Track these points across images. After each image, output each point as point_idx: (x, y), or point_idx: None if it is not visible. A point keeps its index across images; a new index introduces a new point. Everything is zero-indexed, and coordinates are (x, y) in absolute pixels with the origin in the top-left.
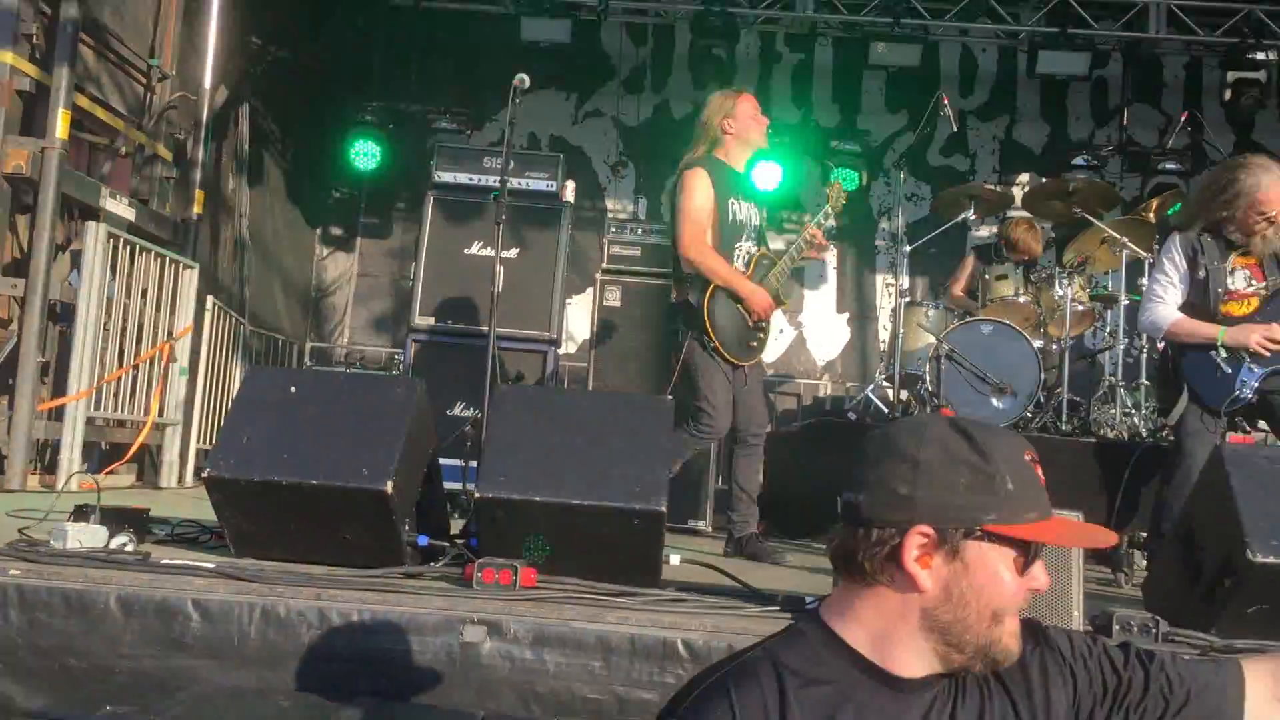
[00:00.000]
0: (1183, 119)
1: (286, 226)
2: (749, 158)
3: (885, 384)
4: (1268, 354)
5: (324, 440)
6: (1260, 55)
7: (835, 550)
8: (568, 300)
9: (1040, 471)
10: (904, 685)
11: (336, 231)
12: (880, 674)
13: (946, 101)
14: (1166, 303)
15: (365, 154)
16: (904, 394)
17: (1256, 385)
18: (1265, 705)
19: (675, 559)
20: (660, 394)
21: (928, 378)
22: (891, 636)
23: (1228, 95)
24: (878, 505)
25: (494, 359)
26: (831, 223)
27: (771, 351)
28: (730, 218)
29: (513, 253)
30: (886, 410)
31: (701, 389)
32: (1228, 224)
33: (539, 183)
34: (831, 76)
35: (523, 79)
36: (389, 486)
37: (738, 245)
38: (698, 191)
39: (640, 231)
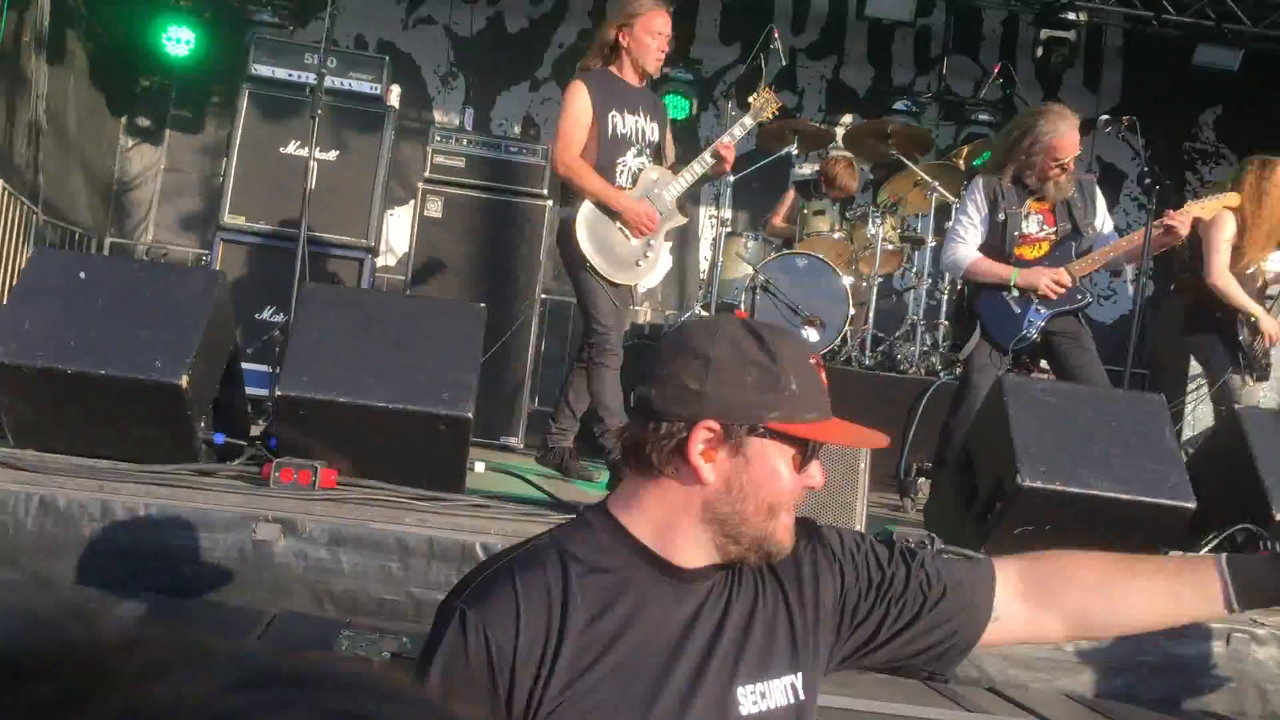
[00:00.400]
0: (995, 71)
1: (89, 113)
2: (643, 77)
3: (702, 312)
4: (1055, 296)
5: (115, 330)
6: (1072, 15)
7: (625, 442)
8: (389, 211)
9: (823, 375)
10: (683, 575)
11: (144, 122)
12: (661, 563)
13: (777, 35)
14: (967, 243)
15: (178, 40)
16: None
17: (1042, 325)
18: (1011, 601)
19: (481, 467)
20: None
21: (743, 307)
22: (673, 527)
23: (1039, 53)
24: (668, 399)
25: (304, 260)
26: (744, 127)
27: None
28: (610, 131)
29: (331, 155)
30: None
31: (588, 309)
32: (1026, 170)
33: (362, 84)
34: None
35: None
36: (183, 380)
37: (620, 160)
38: (572, 105)
39: (466, 142)
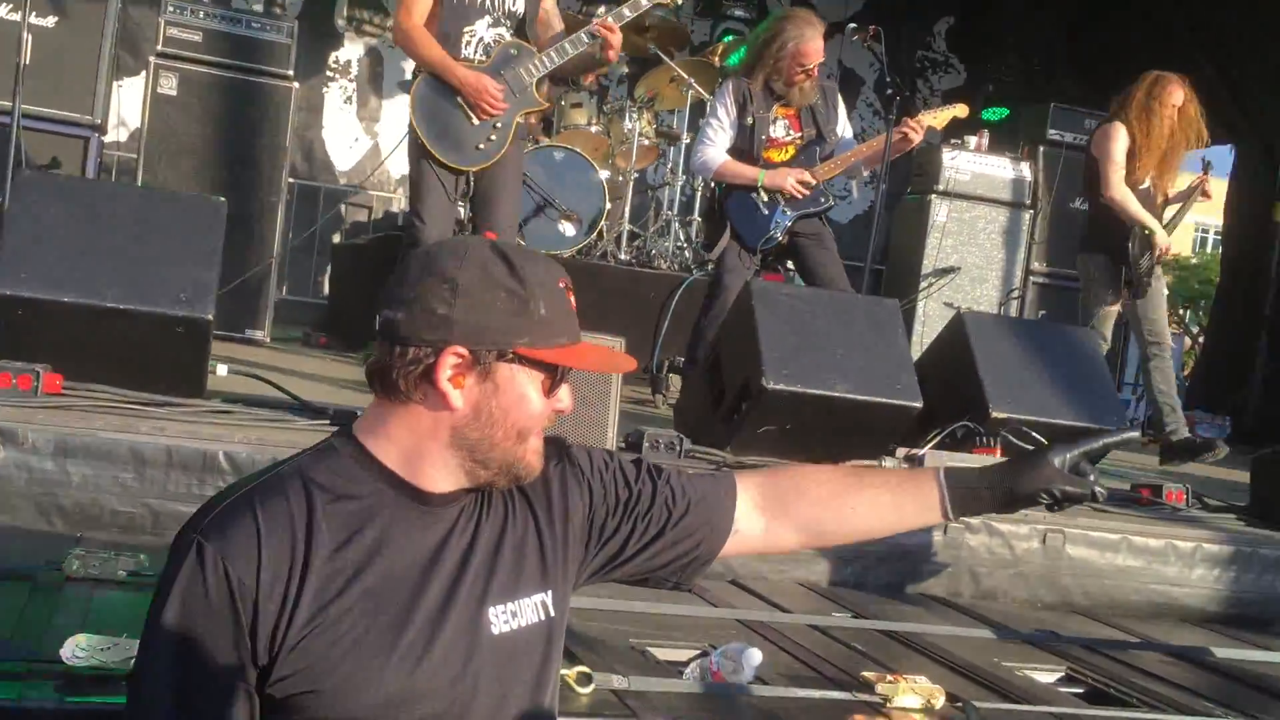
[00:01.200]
0: None
1: None
2: None
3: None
4: (800, 197)
5: None
6: None
7: (372, 367)
8: (118, 82)
9: (572, 299)
10: (432, 500)
11: None
12: (409, 489)
13: None
14: (716, 145)
15: None
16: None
17: (788, 226)
18: (749, 514)
19: (223, 370)
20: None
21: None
22: (422, 453)
23: None
24: (415, 324)
25: (18, 141)
26: (638, 7)
27: (345, 159)
28: None
29: (49, 21)
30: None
31: (412, 197)
32: (774, 75)
33: None
34: None
35: None
36: None
37: (467, 29)
38: None
39: (203, 15)
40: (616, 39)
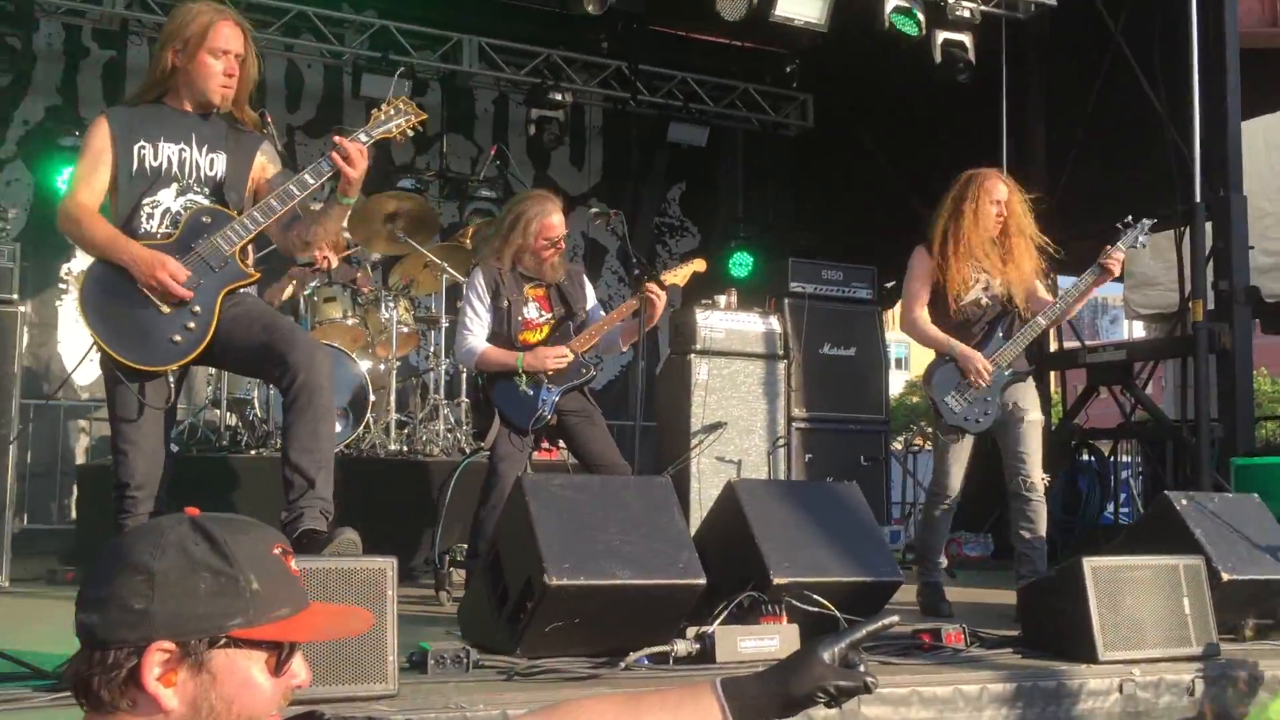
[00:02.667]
0: (492, 152)
1: None
2: (208, 103)
3: (213, 409)
4: (560, 371)
5: None
6: (558, 96)
7: (71, 679)
8: None
9: (292, 563)
10: None
11: None
12: None
13: (270, 120)
14: (475, 334)
15: None
16: (232, 419)
17: (556, 402)
18: None
19: None
20: None
21: (256, 403)
22: None
23: (531, 130)
24: (112, 624)
25: None
26: (374, 134)
27: (85, 373)
28: (135, 165)
29: None
30: (213, 438)
31: (110, 421)
32: (521, 254)
33: None
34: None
35: None
36: None
37: (149, 199)
38: (88, 143)
39: None
40: (360, 164)
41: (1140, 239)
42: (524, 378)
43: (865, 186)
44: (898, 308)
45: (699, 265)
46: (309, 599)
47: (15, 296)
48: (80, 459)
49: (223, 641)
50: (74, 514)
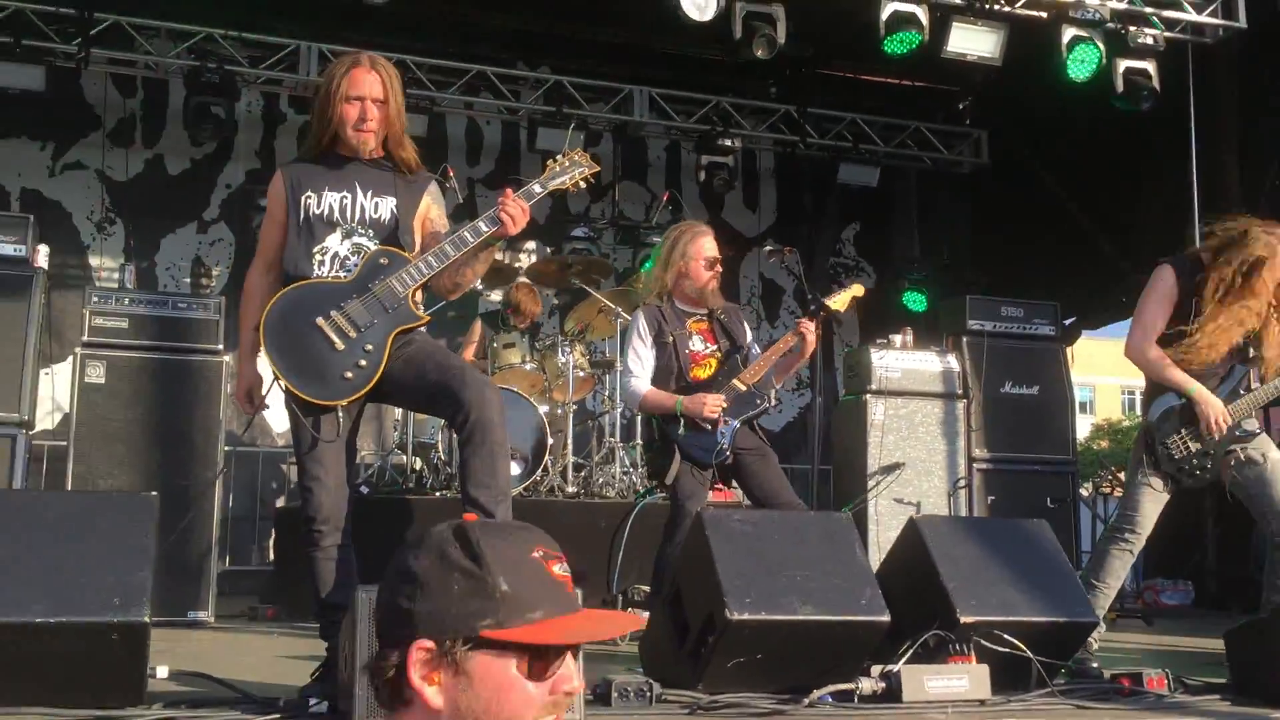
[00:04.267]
0: (664, 198)
1: None
2: (364, 150)
3: (399, 453)
4: (715, 417)
5: None
6: (727, 142)
7: (369, 674)
8: (46, 370)
9: (554, 568)
10: None
11: None
12: None
13: (452, 174)
14: (639, 377)
15: None
16: (418, 463)
17: (735, 431)
18: None
19: (163, 672)
20: (151, 480)
21: (440, 447)
22: None
23: (702, 176)
24: (385, 624)
25: None
26: (549, 185)
27: (281, 421)
28: (303, 214)
29: None
30: (400, 480)
31: (296, 457)
32: (682, 282)
33: (4, 246)
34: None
35: None
36: None
37: (318, 248)
38: (268, 202)
39: (128, 301)
40: (521, 221)
41: None
42: (681, 424)
43: (1045, 223)
44: (1090, 340)
45: (858, 290)
46: (577, 607)
47: (220, 347)
48: (279, 503)
49: (475, 642)
50: (272, 555)
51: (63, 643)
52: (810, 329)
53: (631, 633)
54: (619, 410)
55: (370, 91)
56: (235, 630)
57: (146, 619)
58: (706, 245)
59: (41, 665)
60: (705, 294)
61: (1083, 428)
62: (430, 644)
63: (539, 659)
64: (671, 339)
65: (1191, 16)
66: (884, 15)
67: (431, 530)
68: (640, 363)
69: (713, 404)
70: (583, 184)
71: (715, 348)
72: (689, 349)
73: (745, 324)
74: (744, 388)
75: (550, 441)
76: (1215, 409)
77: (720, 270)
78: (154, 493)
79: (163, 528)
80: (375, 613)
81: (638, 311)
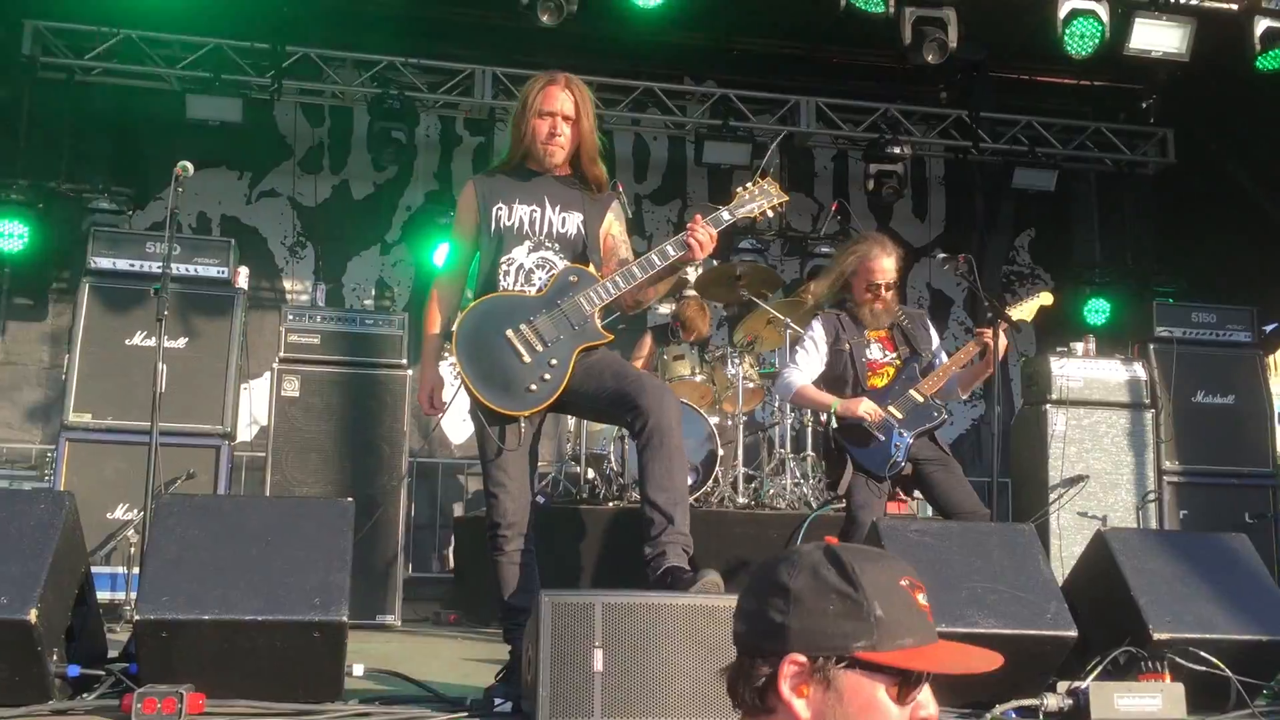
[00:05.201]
0: (833, 209)
1: None
2: (544, 164)
3: (573, 464)
4: (875, 422)
5: None
6: (896, 150)
7: (727, 682)
8: (244, 385)
9: (920, 598)
10: None
11: None
12: None
13: (621, 189)
14: (800, 369)
15: (9, 235)
16: (590, 474)
17: (909, 445)
18: None
19: (359, 670)
20: (342, 488)
21: (612, 458)
22: None
23: (870, 185)
24: (755, 634)
25: (152, 464)
26: (737, 213)
27: (459, 433)
28: (494, 225)
29: (180, 343)
30: (574, 490)
31: (482, 464)
32: (851, 295)
33: (209, 268)
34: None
35: (185, 168)
36: (33, 615)
37: (505, 258)
38: (458, 210)
39: (320, 319)
40: (708, 248)
41: None
42: (833, 422)
43: (1238, 224)
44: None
45: (1046, 299)
46: (936, 636)
47: (404, 361)
48: (458, 513)
49: (848, 662)
50: (452, 563)
51: (269, 640)
52: (985, 337)
53: None
54: (789, 421)
55: (562, 108)
56: (421, 633)
57: (344, 618)
58: (876, 270)
59: (249, 660)
60: (864, 313)
61: None
62: (804, 659)
63: (905, 684)
64: (848, 346)
65: None
66: (1062, 13)
67: (800, 549)
68: (806, 359)
69: (868, 407)
70: (771, 213)
71: (894, 355)
72: (866, 357)
73: (932, 331)
74: (921, 399)
75: (721, 453)
76: None
77: (886, 296)
78: (350, 499)
79: (355, 533)
80: (738, 621)
81: (819, 314)
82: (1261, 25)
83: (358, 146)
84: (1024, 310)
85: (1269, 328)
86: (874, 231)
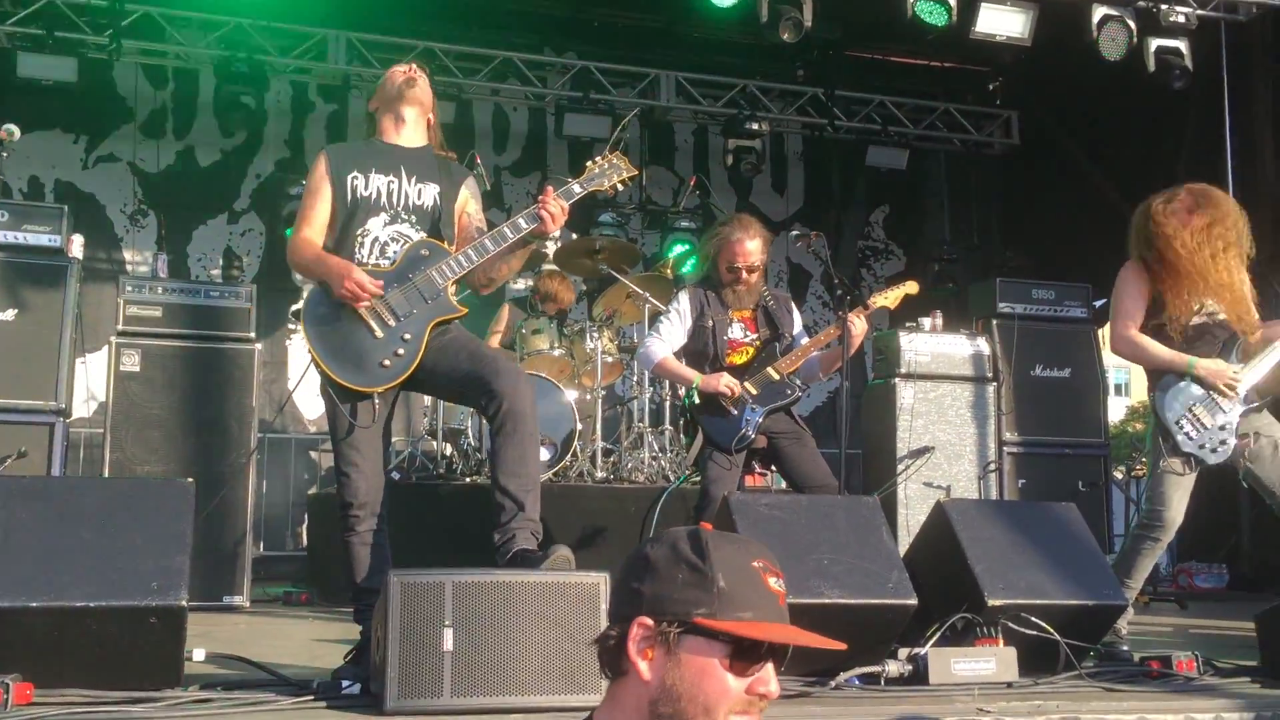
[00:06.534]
0: (691, 183)
1: None
2: (410, 121)
3: (430, 439)
4: (732, 396)
5: None
6: (755, 126)
7: (597, 644)
8: (80, 359)
9: (773, 581)
10: None
11: None
12: None
13: (479, 160)
14: (663, 340)
15: None
16: (448, 449)
17: (759, 422)
18: None
19: (200, 654)
20: (186, 466)
21: (470, 433)
22: None
23: (729, 160)
24: (616, 603)
25: None
26: (588, 186)
27: (312, 408)
28: (350, 195)
29: (9, 314)
30: (430, 466)
31: (332, 442)
32: (716, 276)
33: (39, 236)
34: (365, 128)
35: (10, 131)
36: None
37: (360, 229)
38: (309, 179)
39: (161, 290)
40: (560, 220)
41: None
42: (695, 399)
43: (1077, 203)
44: (1107, 329)
45: (911, 287)
46: (786, 619)
47: (252, 334)
48: (311, 490)
49: (688, 627)
50: (305, 541)
51: (103, 626)
52: (857, 321)
53: None
54: (648, 395)
55: (407, 67)
56: (270, 615)
57: (184, 603)
58: (740, 253)
59: (82, 648)
60: (726, 294)
61: (1118, 410)
62: (650, 622)
63: (741, 656)
64: (712, 323)
65: None
66: None
67: (672, 529)
68: (669, 330)
69: (729, 382)
70: (620, 186)
71: (755, 336)
72: (728, 335)
73: (796, 314)
74: (776, 376)
75: (579, 427)
76: (1220, 368)
77: (749, 279)
78: (189, 479)
79: (198, 514)
80: (611, 595)
81: (684, 287)
82: (1099, 12)
83: (204, 111)
84: (888, 298)
85: (1099, 303)
86: (740, 214)
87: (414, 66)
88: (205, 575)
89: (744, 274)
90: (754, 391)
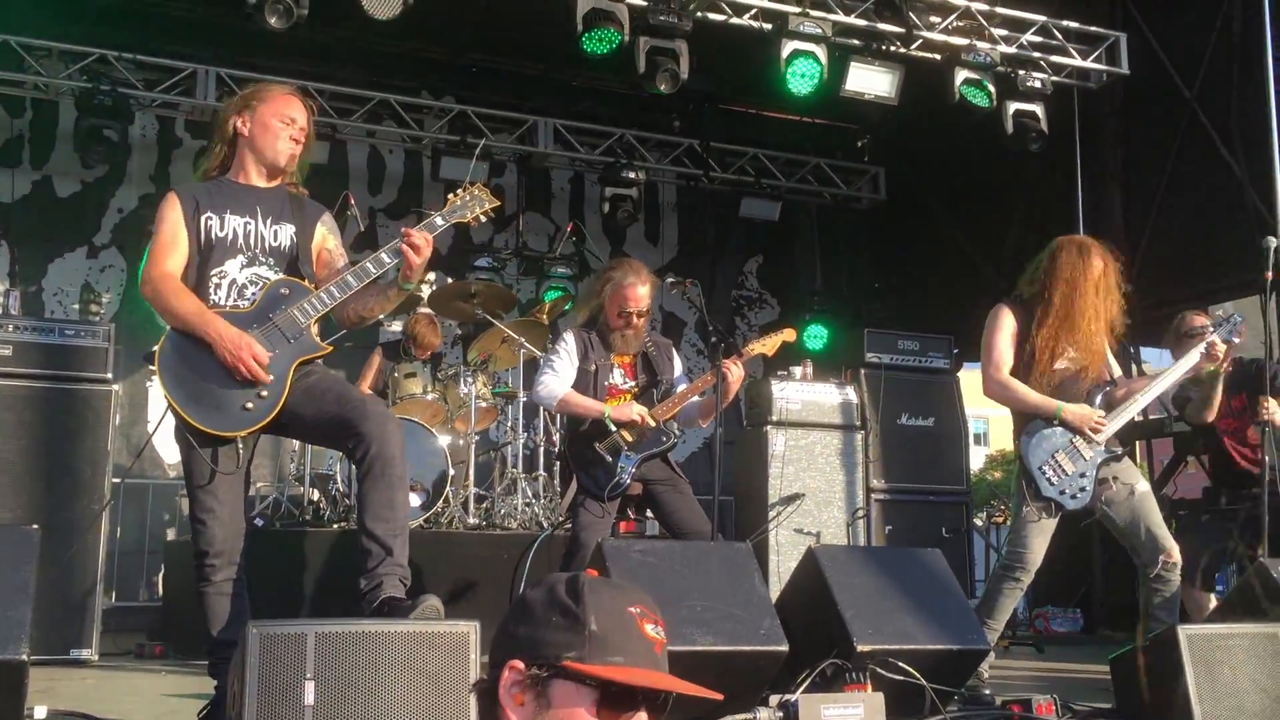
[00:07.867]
0: (568, 230)
1: None
2: (272, 174)
3: (296, 484)
4: (649, 426)
5: None
6: (631, 174)
7: (475, 693)
8: None
9: (650, 628)
10: None
11: None
12: None
13: (353, 201)
14: (560, 376)
15: None
16: (315, 494)
17: (634, 470)
18: None
19: (41, 712)
20: (35, 513)
21: (339, 478)
22: None
23: (606, 208)
24: (495, 645)
25: None
26: (450, 219)
27: (172, 453)
28: (206, 237)
29: None
30: (296, 512)
31: (189, 490)
32: (603, 320)
33: None
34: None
35: None
36: None
37: (216, 270)
38: (163, 219)
39: (12, 328)
40: (425, 253)
41: (1234, 336)
42: (602, 444)
43: (939, 256)
44: (977, 371)
45: (789, 335)
46: (662, 667)
47: (110, 376)
48: (170, 537)
49: (556, 670)
50: (161, 590)
51: None
52: (733, 369)
53: None
54: (522, 441)
55: (301, 121)
56: (120, 669)
57: (25, 657)
58: (631, 297)
59: None
60: (615, 339)
61: (978, 459)
62: (521, 665)
63: (610, 703)
64: (594, 367)
65: (1077, 62)
66: (785, 53)
67: (555, 575)
68: (563, 367)
69: (640, 411)
70: (483, 218)
71: (634, 384)
72: (608, 381)
73: (676, 361)
74: (652, 424)
75: (452, 472)
76: (1087, 412)
77: (638, 324)
78: (35, 526)
79: (46, 562)
80: (492, 639)
81: (568, 329)
82: (961, 75)
83: (63, 141)
84: (765, 345)
85: (958, 352)
86: (630, 258)
87: (302, 126)
88: (50, 627)
89: (634, 319)
90: (629, 439)
